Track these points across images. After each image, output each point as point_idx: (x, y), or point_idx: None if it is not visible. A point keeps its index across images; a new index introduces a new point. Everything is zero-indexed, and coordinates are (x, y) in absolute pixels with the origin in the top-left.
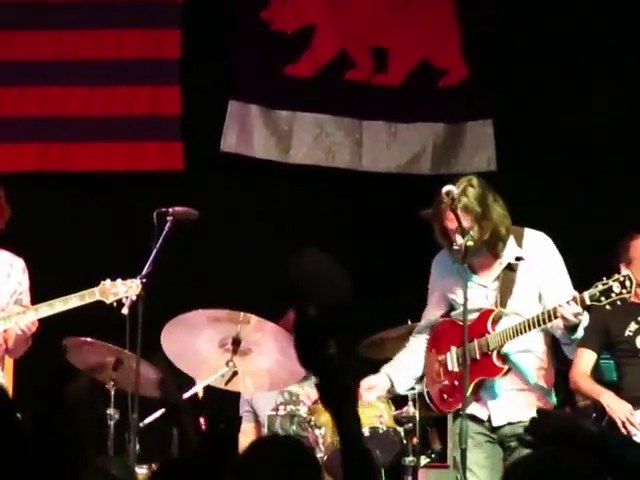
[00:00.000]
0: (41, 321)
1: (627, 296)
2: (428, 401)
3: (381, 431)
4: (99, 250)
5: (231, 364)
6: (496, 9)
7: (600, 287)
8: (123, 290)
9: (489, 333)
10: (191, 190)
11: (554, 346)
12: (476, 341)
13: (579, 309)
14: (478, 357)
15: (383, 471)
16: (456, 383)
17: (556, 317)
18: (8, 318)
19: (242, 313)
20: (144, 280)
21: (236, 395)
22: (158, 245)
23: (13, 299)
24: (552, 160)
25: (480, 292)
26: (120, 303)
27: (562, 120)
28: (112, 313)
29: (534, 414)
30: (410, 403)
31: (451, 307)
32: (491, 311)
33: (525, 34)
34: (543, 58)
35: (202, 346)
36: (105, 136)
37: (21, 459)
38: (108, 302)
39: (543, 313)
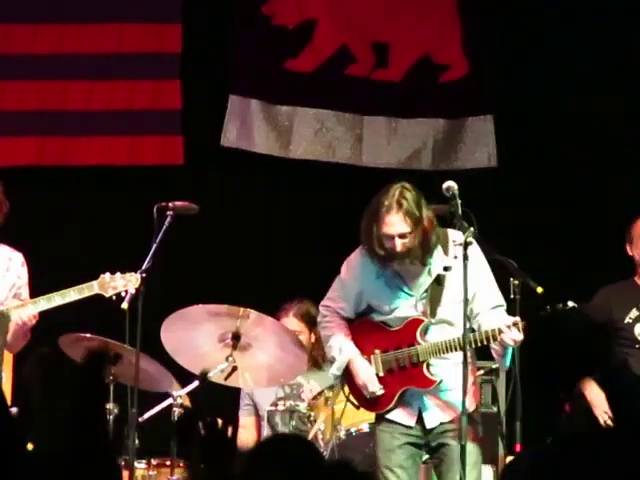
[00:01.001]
0: (40, 316)
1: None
2: (347, 396)
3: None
4: (99, 244)
5: (230, 359)
6: (497, 4)
7: (546, 312)
8: (122, 284)
9: (419, 343)
10: (191, 185)
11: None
12: (405, 350)
13: (521, 336)
14: (407, 365)
15: None
16: (381, 387)
17: (494, 339)
18: (7, 312)
19: (242, 308)
20: (144, 274)
21: (228, 394)
22: (158, 239)
23: (12, 293)
24: (553, 156)
25: (409, 301)
26: (119, 297)
27: (563, 116)
28: (111, 308)
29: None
30: None
31: (364, 310)
32: (420, 321)
33: (526, 29)
34: (544, 54)
35: (202, 341)
36: (105, 130)
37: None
38: (107, 296)
39: (480, 333)
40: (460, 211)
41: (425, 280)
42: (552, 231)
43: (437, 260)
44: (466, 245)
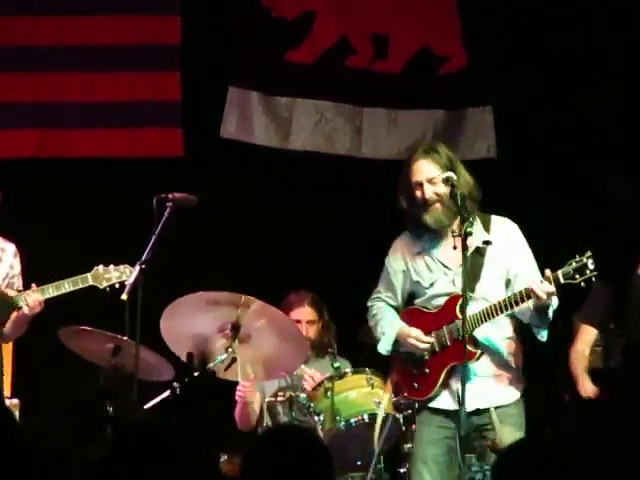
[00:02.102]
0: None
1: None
2: (392, 390)
3: (380, 417)
4: (99, 236)
5: (230, 350)
6: None
7: (574, 265)
8: (116, 275)
9: (458, 318)
10: (191, 176)
11: (522, 331)
12: (445, 327)
13: (552, 288)
14: (449, 343)
15: (382, 458)
16: (427, 371)
17: (529, 298)
18: (15, 298)
19: (243, 296)
20: (143, 266)
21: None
22: (157, 231)
23: (5, 283)
24: (552, 147)
25: (446, 277)
26: (113, 288)
27: (562, 106)
28: (109, 299)
29: (504, 401)
30: None
31: (410, 294)
32: (459, 296)
33: (525, 21)
34: (543, 45)
35: (201, 331)
36: (105, 122)
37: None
38: (101, 287)
39: (515, 294)
40: (460, 202)
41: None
42: (551, 221)
43: (476, 233)
44: (466, 235)
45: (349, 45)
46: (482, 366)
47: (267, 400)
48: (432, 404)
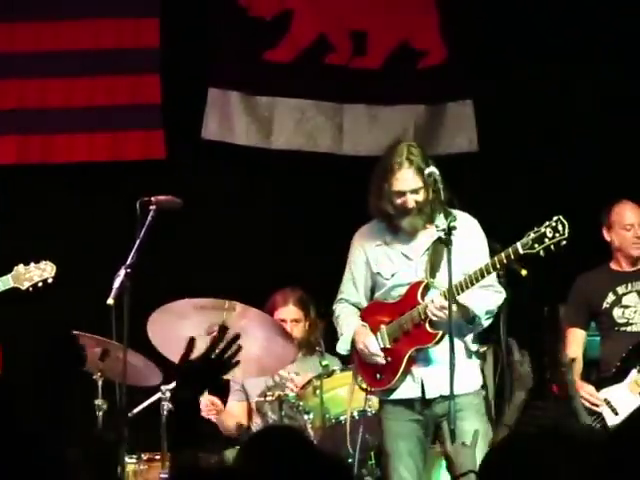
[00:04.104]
0: (26, 315)
1: (561, 239)
2: (358, 383)
3: (369, 414)
4: (83, 241)
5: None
6: None
7: (532, 235)
8: (37, 274)
9: (419, 304)
10: (174, 178)
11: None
12: (407, 313)
13: (443, 303)
14: (410, 329)
15: (373, 454)
16: (389, 359)
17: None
18: None
19: (227, 301)
20: (129, 270)
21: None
22: (142, 234)
23: None
24: (533, 140)
25: (408, 265)
26: (36, 288)
27: (544, 99)
28: (97, 305)
29: (465, 389)
30: None
31: (371, 289)
32: (420, 282)
33: (503, 13)
34: (523, 37)
35: (189, 334)
36: (86, 127)
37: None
38: (23, 289)
39: (467, 277)
40: (443, 196)
41: (425, 243)
42: (535, 214)
43: (439, 223)
44: (449, 230)
45: (327, 43)
46: (439, 353)
47: (256, 400)
48: (394, 396)
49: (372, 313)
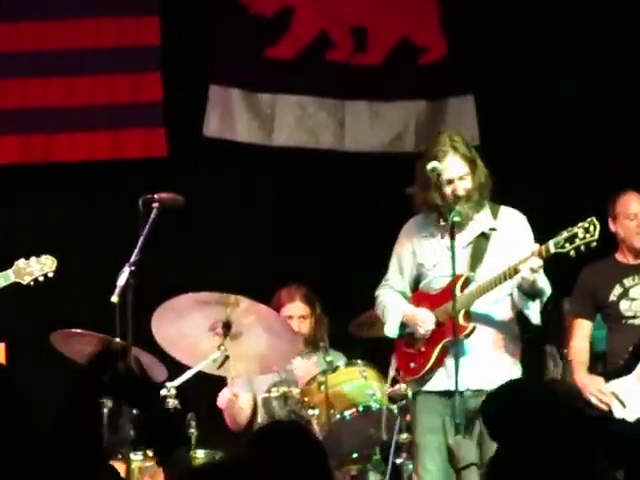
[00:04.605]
0: (29, 313)
1: (591, 241)
2: (394, 372)
3: (374, 409)
4: (86, 240)
5: (222, 348)
6: None
7: (565, 234)
8: (38, 268)
9: (456, 296)
10: (176, 176)
11: (520, 321)
12: (444, 305)
13: (538, 262)
14: (445, 320)
15: (378, 449)
16: (422, 349)
17: (516, 272)
18: None
19: (233, 295)
20: (133, 268)
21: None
22: (145, 232)
23: None
24: (535, 135)
25: (451, 258)
26: (38, 282)
27: (544, 94)
28: (101, 303)
29: (495, 384)
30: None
31: (416, 279)
32: (460, 276)
33: (503, 8)
34: (523, 32)
35: (192, 331)
36: (88, 125)
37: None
38: (25, 283)
39: (508, 269)
40: (443, 189)
41: (469, 236)
42: (535, 210)
43: (482, 218)
44: (453, 225)
45: (328, 39)
46: (478, 344)
47: (262, 397)
48: (427, 387)
49: (415, 303)
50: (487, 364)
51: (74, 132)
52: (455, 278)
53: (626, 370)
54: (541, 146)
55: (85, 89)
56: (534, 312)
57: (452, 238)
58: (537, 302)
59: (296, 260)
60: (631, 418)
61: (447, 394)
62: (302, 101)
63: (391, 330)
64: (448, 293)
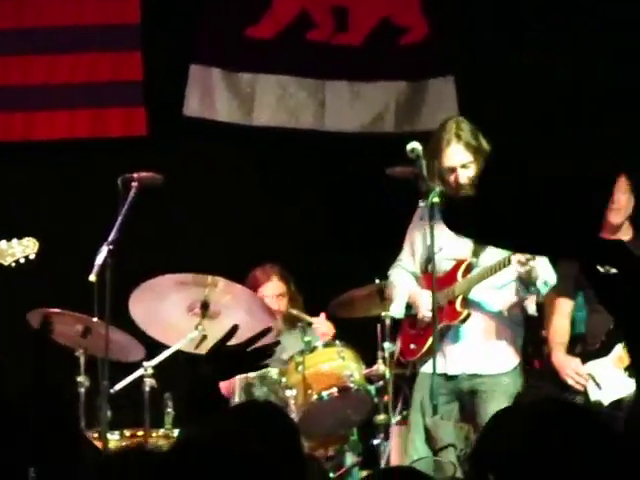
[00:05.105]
0: (6, 292)
1: None
2: (397, 354)
3: (352, 390)
4: (65, 218)
5: (200, 327)
6: None
7: None
8: (20, 250)
9: (457, 281)
10: (155, 155)
11: (524, 313)
12: (445, 290)
13: (525, 254)
14: (444, 305)
15: (355, 430)
16: (422, 332)
17: (509, 263)
18: None
19: (210, 276)
20: (111, 247)
21: None
22: (124, 211)
23: None
24: (516, 115)
25: (458, 241)
26: (19, 264)
27: (526, 75)
28: (80, 282)
29: (494, 369)
30: (380, 361)
31: (428, 259)
32: (463, 261)
33: None
34: (505, 13)
35: (170, 311)
36: (67, 104)
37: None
38: (6, 264)
39: (503, 258)
40: (425, 172)
41: None
42: None
43: None
44: (432, 205)
45: (309, 19)
46: (474, 330)
47: (238, 377)
48: (423, 369)
49: (426, 284)
50: (484, 349)
51: (54, 110)
52: (459, 263)
53: (604, 352)
54: (522, 129)
55: (65, 67)
56: (530, 301)
57: (430, 219)
58: (534, 292)
59: (276, 239)
60: (606, 400)
61: (444, 376)
62: (282, 81)
63: (397, 310)
64: (451, 277)
